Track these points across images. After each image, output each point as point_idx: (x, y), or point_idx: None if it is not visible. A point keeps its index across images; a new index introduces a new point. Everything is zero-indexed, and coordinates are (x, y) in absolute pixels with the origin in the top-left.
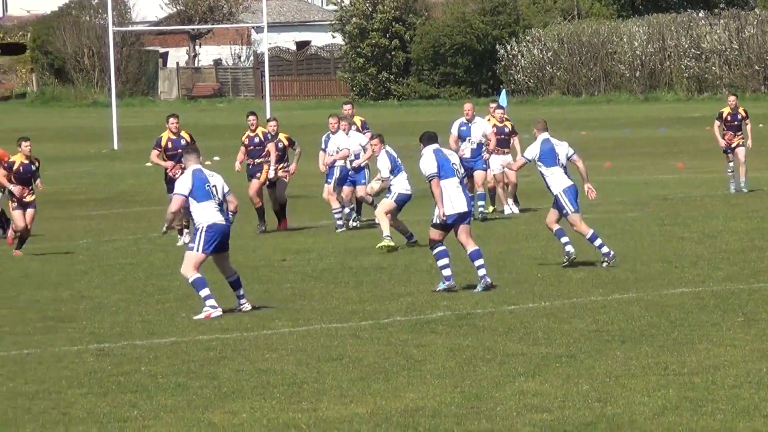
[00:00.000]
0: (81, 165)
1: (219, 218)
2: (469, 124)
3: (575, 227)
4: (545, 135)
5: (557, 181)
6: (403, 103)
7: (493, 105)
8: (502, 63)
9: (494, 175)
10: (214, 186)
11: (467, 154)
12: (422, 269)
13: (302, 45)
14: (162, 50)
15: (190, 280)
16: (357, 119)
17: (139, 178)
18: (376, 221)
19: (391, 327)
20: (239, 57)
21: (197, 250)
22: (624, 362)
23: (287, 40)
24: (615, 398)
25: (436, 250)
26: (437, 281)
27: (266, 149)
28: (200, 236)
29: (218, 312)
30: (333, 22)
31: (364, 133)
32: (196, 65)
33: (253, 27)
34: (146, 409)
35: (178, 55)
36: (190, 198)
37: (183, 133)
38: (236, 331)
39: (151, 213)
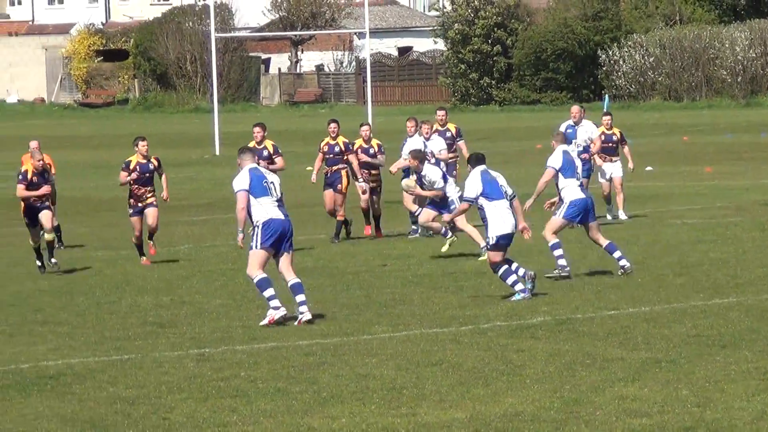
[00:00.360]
0: (183, 171)
1: (278, 214)
2: (576, 127)
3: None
4: (564, 147)
5: (570, 192)
6: (505, 109)
7: (607, 117)
8: (604, 68)
9: (608, 181)
10: (272, 182)
11: None
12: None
13: (404, 51)
14: (264, 56)
15: (255, 281)
16: (451, 126)
17: None
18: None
19: (491, 332)
20: (341, 63)
21: (256, 247)
22: (724, 367)
23: (389, 46)
24: (714, 403)
25: (500, 271)
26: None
27: (345, 157)
28: (258, 233)
29: (281, 312)
30: (435, 28)
31: (457, 141)
32: (298, 71)
33: (355, 33)
34: (246, 414)
35: (280, 61)
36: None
37: (267, 143)
38: (336, 336)
39: None
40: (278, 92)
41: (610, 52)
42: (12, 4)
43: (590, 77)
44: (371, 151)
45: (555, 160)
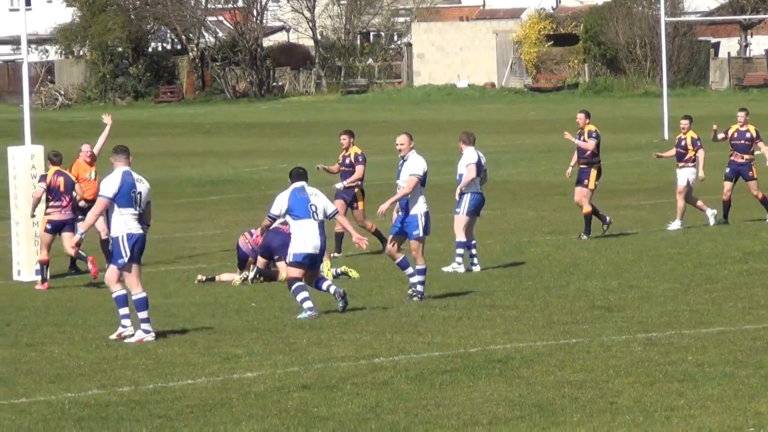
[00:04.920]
0: (630, 155)
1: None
2: None
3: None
4: None
5: None
6: None
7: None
8: None
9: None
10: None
11: None
12: None
13: None
14: (713, 40)
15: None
16: (751, 127)
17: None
18: None
19: None
20: None
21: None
22: None
23: None
24: None
25: (293, 287)
26: None
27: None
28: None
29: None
30: None
31: (757, 141)
32: (747, 55)
33: None
34: (692, 398)
35: (729, 45)
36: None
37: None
38: None
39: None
40: (727, 76)
41: None
42: None
43: None
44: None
45: None
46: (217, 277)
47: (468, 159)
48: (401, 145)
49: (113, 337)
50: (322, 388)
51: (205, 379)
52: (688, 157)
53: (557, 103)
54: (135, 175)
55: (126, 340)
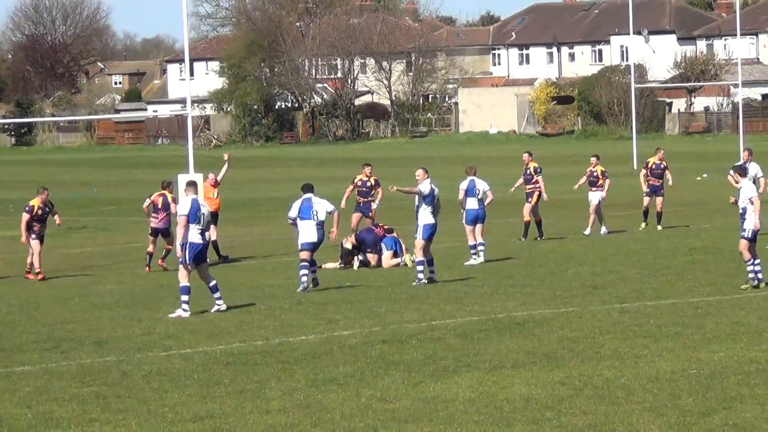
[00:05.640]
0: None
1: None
2: None
3: None
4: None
5: None
6: None
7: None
8: None
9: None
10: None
11: None
12: None
13: (766, 96)
14: (668, 100)
15: None
16: None
17: None
18: None
19: None
20: (721, 104)
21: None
22: None
23: (756, 94)
24: None
25: (300, 266)
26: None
27: (373, 191)
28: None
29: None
30: None
31: None
32: (691, 111)
33: (731, 84)
34: (653, 349)
35: (679, 104)
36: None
37: (372, 179)
38: (716, 295)
39: None
40: (677, 125)
41: None
42: (494, 64)
43: None
44: (368, 184)
45: None
46: (323, 266)
47: (462, 185)
48: (418, 176)
49: (173, 316)
50: (395, 342)
51: (314, 335)
52: (599, 183)
53: (559, 144)
54: (201, 200)
55: (171, 315)
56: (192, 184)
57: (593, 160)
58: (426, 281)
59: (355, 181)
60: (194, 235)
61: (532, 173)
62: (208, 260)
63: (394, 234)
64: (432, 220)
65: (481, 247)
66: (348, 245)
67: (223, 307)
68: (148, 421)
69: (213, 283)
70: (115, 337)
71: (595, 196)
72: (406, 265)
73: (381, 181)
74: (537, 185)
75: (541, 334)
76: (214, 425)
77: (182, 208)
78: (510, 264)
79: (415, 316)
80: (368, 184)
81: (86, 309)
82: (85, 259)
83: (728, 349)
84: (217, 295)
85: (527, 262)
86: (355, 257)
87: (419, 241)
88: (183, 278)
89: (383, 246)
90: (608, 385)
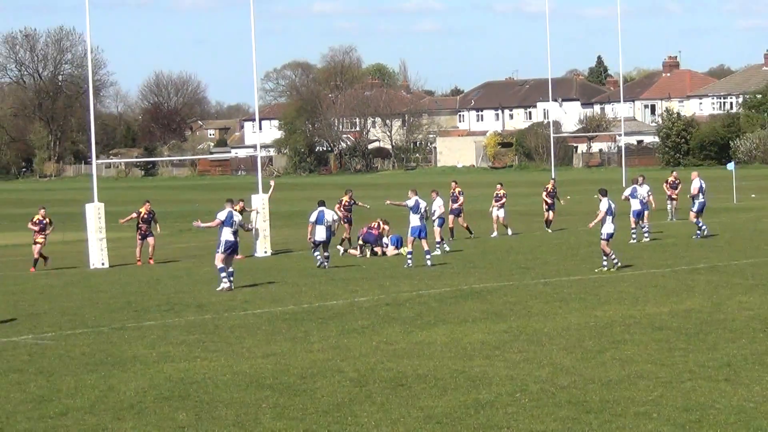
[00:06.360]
0: (539, 198)
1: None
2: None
3: None
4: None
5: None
6: None
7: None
8: None
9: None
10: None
11: None
12: None
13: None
14: (575, 144)
15: None
16: None
17: None
18: None
19: None
20: (610, 148)
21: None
22: None
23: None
24: None
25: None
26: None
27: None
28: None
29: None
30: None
31: None
32: (590, 152)
33: (617, 134)
34: (553, 297)
35: (582, 147)
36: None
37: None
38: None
39: None
40: (581, 161)
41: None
42: (460, 121)
43: None
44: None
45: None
46: (348, 250)
47: (438, 202)
48: (408, 195)
49: (219, 289)
50: (395, 305)
51: (342, 300)
52: (502, 202)
53: (503, 174)
54: (236, 210)
55: (218, 289)
56: (229, 201)
57: (498, 186)
58: (412, 265)
59: (343, 201)
60: (228, 234)
61: (458, 196)
62: (237, 253)
63: (387, 228)
64: (419, 224)
65: (446, 246)
66: (360, 242)
67: (228, 285)
68: (232, 357)
69: (231, 270)
70: (210, 302)
71: (500, 211)
72: (401, 254)
73: (384, 197)
74: (461, 206)
75: (492, 299)
76: (276, 360)
77: (221, 215)
78: (470, 253)
79: (408, 288)
80: (350, 204)
81: (192, 284)
82: (190, 251)
83: (616, 308)
84: (230, 279)
85: (482, 252)
86: (367, 249)
87: (409, 238)
88: (218, 261)
89: (389, 242)
90: (536, 333)
